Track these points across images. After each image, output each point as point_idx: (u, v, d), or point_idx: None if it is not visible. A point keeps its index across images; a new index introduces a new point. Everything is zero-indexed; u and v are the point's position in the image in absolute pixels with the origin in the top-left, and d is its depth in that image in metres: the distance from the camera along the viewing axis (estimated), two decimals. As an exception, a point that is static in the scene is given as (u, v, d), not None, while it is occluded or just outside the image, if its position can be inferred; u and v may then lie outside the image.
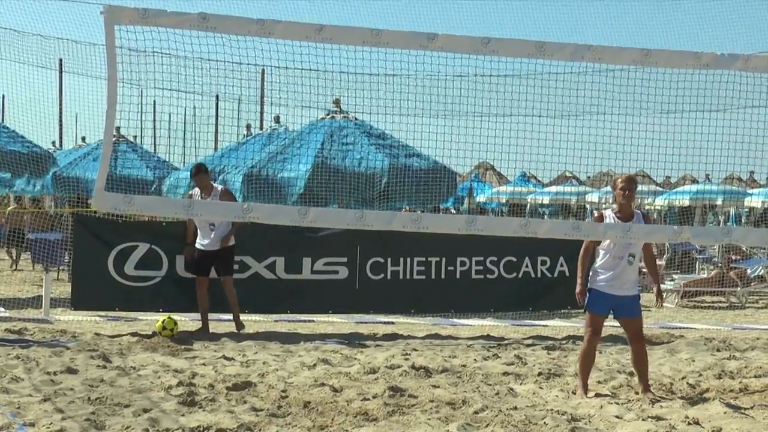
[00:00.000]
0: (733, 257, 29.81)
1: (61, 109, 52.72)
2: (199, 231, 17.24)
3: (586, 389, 12.43)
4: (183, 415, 10.65)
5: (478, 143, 19.12)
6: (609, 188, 14.30)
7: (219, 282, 16.91)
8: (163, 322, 15.93)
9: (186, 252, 17.76)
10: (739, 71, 15.60)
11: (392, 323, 18.73)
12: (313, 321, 18.71)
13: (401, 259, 20.26)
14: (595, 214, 15.52)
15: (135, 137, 35.21)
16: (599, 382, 12.86)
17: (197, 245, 17.35)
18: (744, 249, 30.42)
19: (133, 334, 16.91)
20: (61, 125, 53.22)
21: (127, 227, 20.30)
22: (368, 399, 11.66)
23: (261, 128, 32.51)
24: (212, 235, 16.92)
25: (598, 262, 12.43)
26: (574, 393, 12.45)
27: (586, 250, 12.53)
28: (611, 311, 12.50)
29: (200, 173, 17.20)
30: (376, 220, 14.96)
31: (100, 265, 19.10)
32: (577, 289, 12.61)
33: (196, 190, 17.39)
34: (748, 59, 14.01)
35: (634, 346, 12.61)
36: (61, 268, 25.58)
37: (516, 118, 17.96)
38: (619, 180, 12.81)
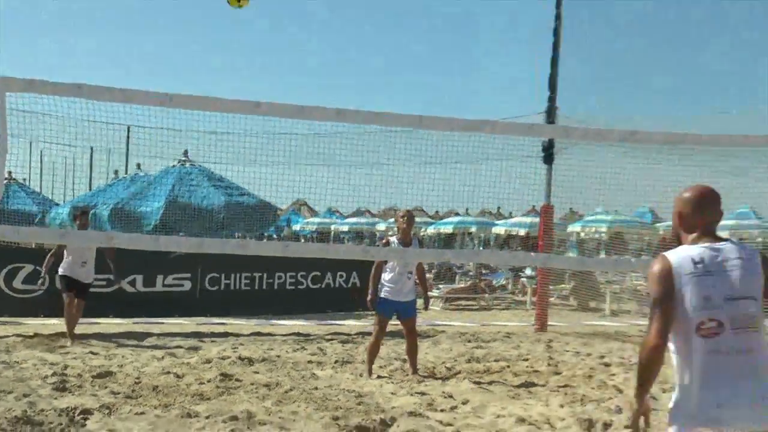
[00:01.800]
0: (483, 271, 30.41)
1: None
2: (71, 262, 16.01)
3: (370, 373, 12.67)
4: (56, 399, 10.57)
5: (294, 185, 19.42)
6: (393, 220, 14.52)
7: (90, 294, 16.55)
8: None
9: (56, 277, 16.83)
10: (488, 134, 16.01)
11: (224, 324, 18.67)
12: (163, 323, 18.53)
13: (232, 275, 20.41)
14: (383, 240, 15.78)
15: (24, 179, 34.46)
16: (380, 367, 13.02)
17: (67, 273, 16.10)
18: (492, 265, 31.15)
19: (17, 335, 16.63)
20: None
21: (16, 251, 19.90)
22: (203, 383, 11.75)
23: (126, 173, 32.16)
24: (83, 270, 16.02)
25: (386, 276, 12.66)
26: (361, 376, 12.66)
27: (377, 267, 12.74)
28: (395, 313, 12.73)
29: (84, 215, 16.47)
30: (213, 245, 15.01)
31: (-9, 280, 18.88)
32: (369, 297, 12.81)
33: None
34: (495, 125, 14.27)
35: (408, 339, 12.92)
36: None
37: (324, 167, 18.28)
38: (400, 213, 13.23)
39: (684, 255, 4.76)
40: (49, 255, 16.34)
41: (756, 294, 4.66)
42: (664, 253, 4.88)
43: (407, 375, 12.73)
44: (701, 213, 4.95)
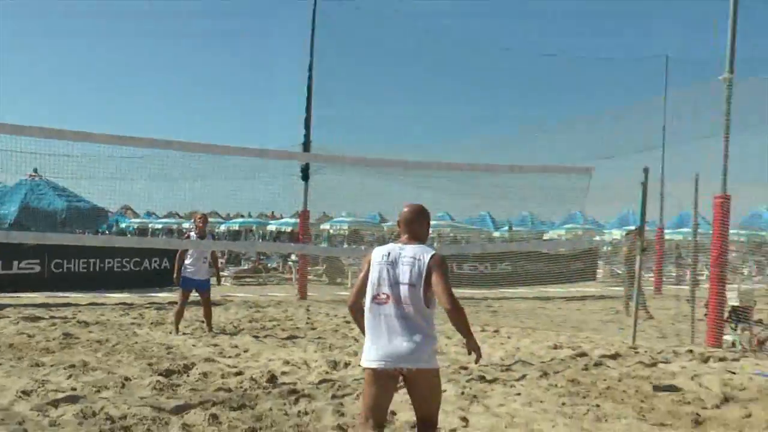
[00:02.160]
0: (261, 257, 30.61)
1: None
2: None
3: (177, 331, 12.68)
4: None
5: (120, 194, 19.19)
6: (193, 220, 14.64)
7: None
8: None
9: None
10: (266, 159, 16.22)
11: (67, 297, 18.21)
12: (19, 297, 17.92)
13: (73, 260, 19.88)
14: (185, 234, 15.83)
15: None
16: (185, 327, 13.02)
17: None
18: (267, 253, 31.58)
19: None
20: None
21: None
22: (50, 341, 11.51)
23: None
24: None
25: (187, 261, 12.76)
26: (170, 333, 12.62)
27: (180, 254, 12.87)
28: (194, 288, 12.83)
29: None
30: (54, 238, 14.75)
31: None
32: (174, 275, 12.89)
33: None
34: (269, 152, 14.51)
35: (205, 307, 13.02)
36: None
37: (143, 180, 18.12)
38: (198, 215, 13.49)
39: (382, 249, 5.21)
40: None
41: (416, 282, 4.93)
42: (377, 247, 5.34)
43: (204, 332, 12.81)
44: (407, 222, 5.29)
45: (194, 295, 12.99)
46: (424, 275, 4.94)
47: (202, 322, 13.20)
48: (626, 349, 11.81)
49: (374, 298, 5.07)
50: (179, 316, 13.00)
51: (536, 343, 12.40)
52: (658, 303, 21.00)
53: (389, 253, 5.11)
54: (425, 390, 5.08)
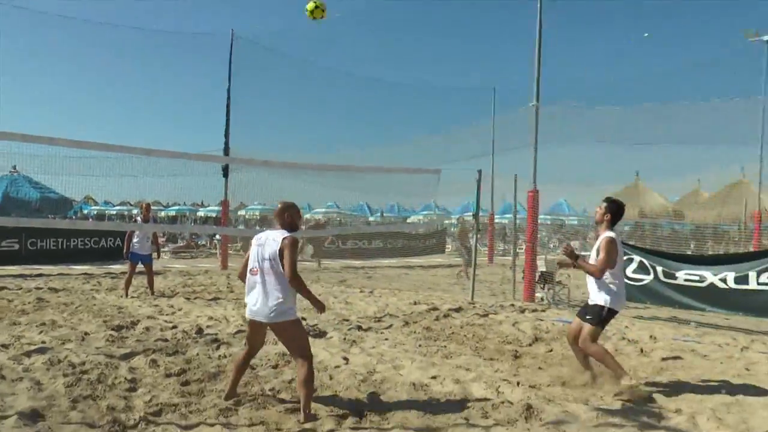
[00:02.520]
0: (193, 236, 30.06)
1: None
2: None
3: (127, 295, 12.28)
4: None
5: (84, 186, 18.50)
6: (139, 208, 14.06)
7: None
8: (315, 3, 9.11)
9: None
10: (193, 160, 15.78)
11: (41, 269, 17.39)
12: (1, 269, 17.00)
13: (45, 239, 19.01)
14: (133, 219, 15.39)
15: None
16: (133, 292, 12.59)
17: None
18: (198, 233, 30.92)
19: None
20: None
21: None
22: (25, 304, 10.99)
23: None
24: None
25: (134, 239, 12.38)
26: (121, 297, 12.18)
27: (129, 234, 12.51)
28: (140, 261, 12.47)
29: None
30: (32, 222, 14.02)
31: None
32: (124, 251, 12.49)
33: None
34: (191, 155, 14.16)
35: (148, 276, 12.71)
36: None
37: (102, 177, 17.52)
38: (143, 204, 13.24)
39: (262, 234, 5.44)
40: None
41: (274, 257, 5.13)
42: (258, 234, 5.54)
43: (148, 296, 12.45)
44: (276, 216, 5.47)
45: (140, 267, 12.61)
46: (278, 252, 5.14)
47: (146, 287, 12.83)
48: (466, 304, 12.06)
49: (250, 270, 5.31)
50: (128, 283, 12.58)
51: (401, 301, 12.53)
52: (489, 270, 21.58)
53: (260, 237, 5.38)
54: (283, 337, 5.32)
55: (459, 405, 5.51)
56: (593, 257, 6.24)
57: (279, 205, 5.50)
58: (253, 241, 5.40)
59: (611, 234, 6.17)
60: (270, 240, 5.24)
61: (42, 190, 22.71)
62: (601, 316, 6.11)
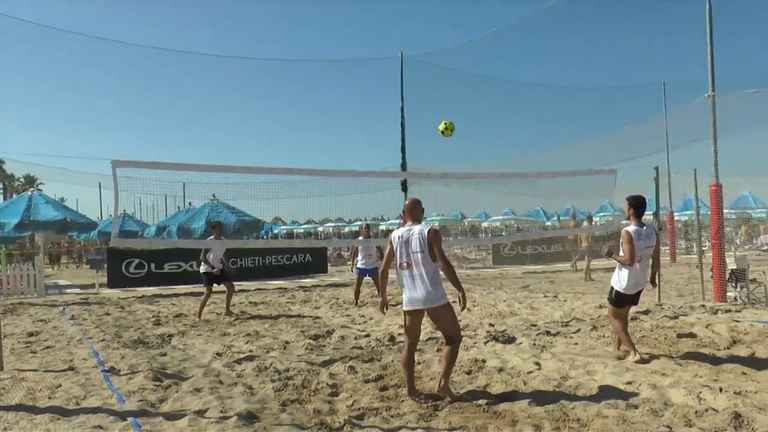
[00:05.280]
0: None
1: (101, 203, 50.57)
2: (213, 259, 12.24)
3: (356, 303, 12.69)
4: (155, 329, 10.64)
5: (272, 208, 19.40)
6: (327, 224, 14.26)
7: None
8: (445, 125, 10.89)
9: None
10: (373, 178, 16.16)
11: (240, 285, 18.53)
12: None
13: (243, 258, 20.32)
14: (363, 235, 15.87)
15: (132, 212, 34.61)
16: (325, 303, 13.07)
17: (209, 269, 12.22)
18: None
19: (133, 297, 16.51)
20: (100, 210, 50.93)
21: (129, 252, 19.64)
22: (231, 317, 11.72)
23: (183, 207, 32.16)
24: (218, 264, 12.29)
25: (360, 255, 13.03)
26: (352, 305, 12.65)
27: (354, 251, 12.97)
28: (366, 275, 12.96)
29: (217, 226, 13.09)
30: (233, 243, 15.05)
31: (118, 267, 18.68)
32: (351, 266, 12.95)
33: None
34: (375, 173, 14.45)
35: (376, 286, 13.17)
36: (102, 270, 24.22)
37: (287, 199, 18.27)
38: (364, 225, 13.45)
39: (398, 231, 5.79)
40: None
41: (423, 248, 5.53)
42: (393, 231, 5.89)
43: (341, 306, 12.87)
44: (410, 211, 5.82)
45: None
46: (427, 243, 5.54)
47: (337, 299, 13.27)
48: (654, 306, 11.37)
49: (399, 266, 5.71)
50: (357, 293, 13.27)
51: (586, 305, 12.07)
52: (673, 269, 20.28)
53: (402, 234, 5.70)
54: (440, 319, 5.69)
55: (659, 412, 5.12)
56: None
57: (412, 200, 5.89)
58: (394, 239, 5.75)
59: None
60: (415, 234, 5.60)
61: (238, 214, 24.29)
62: (610, 296, 7.33)
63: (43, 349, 8.84)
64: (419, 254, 5.54)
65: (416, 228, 5.65)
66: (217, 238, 12.28)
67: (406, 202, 5.97)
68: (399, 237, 5.70)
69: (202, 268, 12.19)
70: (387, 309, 5.86)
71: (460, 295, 5.64)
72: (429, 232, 5.59)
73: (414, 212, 5.79)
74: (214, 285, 12.10)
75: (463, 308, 5.72)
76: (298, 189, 17.96)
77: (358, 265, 13.25)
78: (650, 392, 5.65)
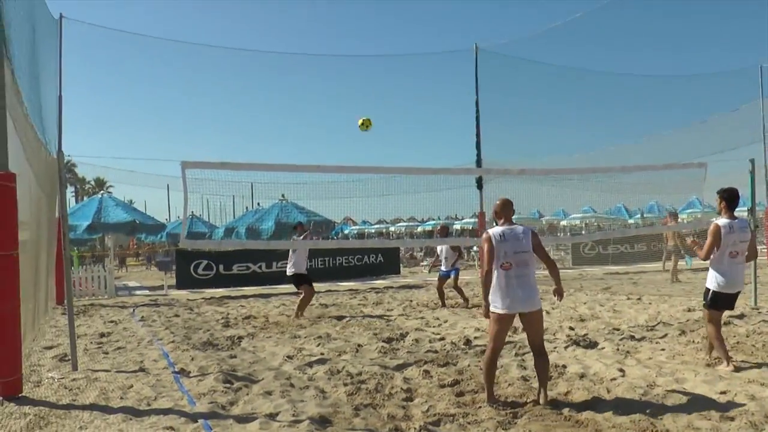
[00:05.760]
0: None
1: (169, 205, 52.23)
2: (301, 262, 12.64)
3: (443, 305, 12.72)
4: (224, 331, 10.89)
5: (343, 208, 19.58)
6: (399, 223, 14.31)
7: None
8: (363, 121, 11.07)
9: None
10: (449, 175, 16.09)
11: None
12: (277, 287, 18.66)
13: (313, 258, 20.55)
14: (486, 237, 15.90)
15: (200, 214, 35.61)
16: (398, 305, 13.10)
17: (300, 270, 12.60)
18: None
19: (201, 298, 16.94)
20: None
21: (198, 253, 20.12)
22: (302, 319, 11.90)
23: (252, 207, 32.84)
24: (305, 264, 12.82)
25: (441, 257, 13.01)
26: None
27: (435, 259, 13.03)
28: (447, 275, 12.97)
29: (301, 225, 13.41)
30: (302, 244, 15.26)
31: (186, 269, 19.16)
32: (429, 268, 13.01)
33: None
34: (452, 170, 14.42)
35: (453, 286, 13.07)
36: (171, 272, 24.98)
37: (357, 198, 18.41)
38: (437, 228, 13.50)
39: (497, 230, 5.75)
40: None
41: (529, 249, 5.62)
42: (488, 230, 5.83)
43: (413, 309, 12.89)
44: (503, 211, 5.90)
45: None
46: (532, 244, 5.65)
47: (410, 301, 13.28)
48: (749, 310, 10.92)
49: (501, 265, 5.59)
50: (441, 295, 13.36)
51: (673, 308, 11.72)
52: (771, 270, 19.49)
53: (503, 233, 5.68)
54: (537, 323, 5.75)
55: (758, 425, 4.89)
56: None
57: (504, 200, 5.99)
58: (494, 238, 5.65)
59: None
60: (518, 234, 5.65)
61: (308, 215, 24.62)
62: (706, 298, 7.04)
63: (114, 350, 9.19)
64: (526, 254, 5.60)
65: (518, 228, 5.71)
66: (305, 238, 12.69)
67: (497, 202, 6.04)
68: (500, 235, 5.66)
69: (291, 271, 12.55)
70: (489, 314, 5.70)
71: (558, 288, 5.84)
72: (533, 232, 5.73)
73: (506, 212, 5.87)
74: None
75: (560, 299, 5.92)
76: (369, 188, 18.09)
77: (442, 267, 13.30)
78: (748, 403, 5.44)
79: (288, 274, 12.66)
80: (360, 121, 11.03)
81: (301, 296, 12.53)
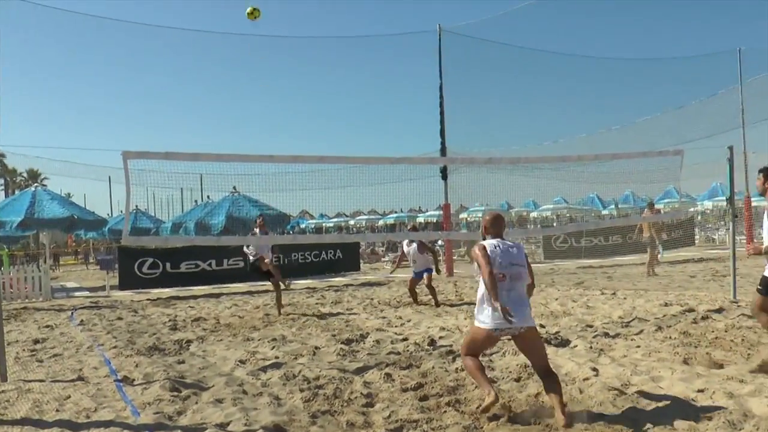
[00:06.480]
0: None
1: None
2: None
3: (416, 302, 12.72)
4: (171, 334, 10.78)
5: (299, 201, 19.54)
6: (359, 217, 14.42)
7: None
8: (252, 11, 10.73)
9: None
10: (409, 164, 16.12)
11: (264, 285, 18.74)
12: (229, 287, 18.51)
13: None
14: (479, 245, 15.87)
15: (145, 208, 35.17)
16: (358, 304, 13.11)
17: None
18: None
19: (147, 299, 16.74)
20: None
21: (141, 251, 19.86)
22: (256, 320, 11.83)
23: (201, 201, 32.65)
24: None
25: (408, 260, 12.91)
26: (412, 304, 12.67)
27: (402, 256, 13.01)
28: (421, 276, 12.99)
29: (260, 218, 14.05)
30: (255, 240, 15.16)
31: (130, 268, 18.92)
32: (393, 269, 13.00)
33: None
34: (413, 159, 14.50)
35: (426, 286, 13.10)
36: (113, 271, 24.60)
37: (316, 191, 18.40)
38: (409, 227, 13.48)
39: (490, 241, 5.68)
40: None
41: (523, 263, 5.60)
42: (481, 242, 5.74)
43: (375, 307, 12.90)
44: (493, 226, 5.85)
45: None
46: (524, 258, 5.66)
47: (371, 300, 13.28)
48: (728, 304, 11.17)
49: (497, 276, 5.46)
50: (413, 294, 13.46)
51: (649, 302, 11.91)
52: (751, 262, 19.90)
53: (498, 246, 5.62)
54: (535, 341, 5.61)
55: (737, 424, 5.00)
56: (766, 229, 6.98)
57: (495, 215, 6.00)
58: (490, 249, 5.57)
59: None
60: (513, 248, 5.67)
61: (261, 208, 24.47)
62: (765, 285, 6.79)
63: (50, 358, 9.00)
64: (521, 268, 5.58)
65: (509, 242, 5.76)
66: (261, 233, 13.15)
67: (486, 216, 6.05)
68: (495, 246, 5.60)
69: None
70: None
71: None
72: (522, 247, 5.79)
73: (496, 228, 5.84)
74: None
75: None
76: (326, 179, 18.07)
77: (414, 269, 13.35)
78: (727, 401, 5.54)
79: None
80: (249, 10, 10.71)
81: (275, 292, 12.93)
